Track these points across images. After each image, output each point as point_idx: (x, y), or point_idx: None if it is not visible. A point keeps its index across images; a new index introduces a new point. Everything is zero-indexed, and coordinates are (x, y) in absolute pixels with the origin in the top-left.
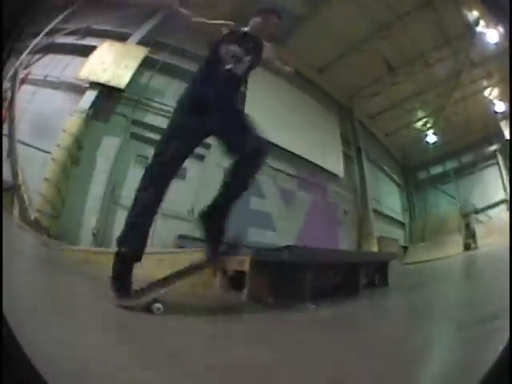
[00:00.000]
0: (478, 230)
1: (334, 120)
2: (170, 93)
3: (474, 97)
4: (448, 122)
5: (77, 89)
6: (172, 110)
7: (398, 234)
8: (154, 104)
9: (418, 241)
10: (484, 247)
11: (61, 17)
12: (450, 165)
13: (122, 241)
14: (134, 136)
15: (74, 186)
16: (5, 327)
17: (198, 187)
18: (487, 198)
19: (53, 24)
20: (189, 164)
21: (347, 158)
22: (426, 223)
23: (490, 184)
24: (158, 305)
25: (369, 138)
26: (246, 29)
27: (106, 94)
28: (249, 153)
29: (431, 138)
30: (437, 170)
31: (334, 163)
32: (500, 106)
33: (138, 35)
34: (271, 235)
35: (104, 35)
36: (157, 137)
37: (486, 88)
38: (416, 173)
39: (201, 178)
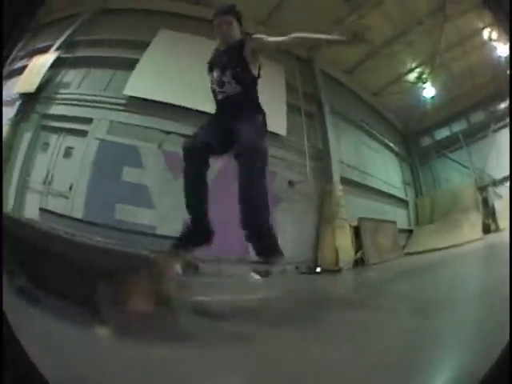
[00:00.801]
0: (498, 206)
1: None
2: (75, 83)
3: (471, 39)
4: (448, 72)
5: (11, 103)
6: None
7: (400, 213)
8: (61, 96)
9: (426, 222)
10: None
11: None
12: (458, 127)
13: None
14: (43, 127)
15: (4, 180)
16: (5, 327)
17: (80, 164)
18: (504, 167)
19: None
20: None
21: (308, 115)
22: (435, 200)
23: (506, 149)
24: None
25: (349, 97)
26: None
27: (26, 100)
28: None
29: (429, 91)
30: (442, 134)
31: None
32: (502, 49)
33: (58, 42)
34: (148, 215)
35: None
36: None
37: (482, 29)
38: (418, 139)
39: (83, 154)
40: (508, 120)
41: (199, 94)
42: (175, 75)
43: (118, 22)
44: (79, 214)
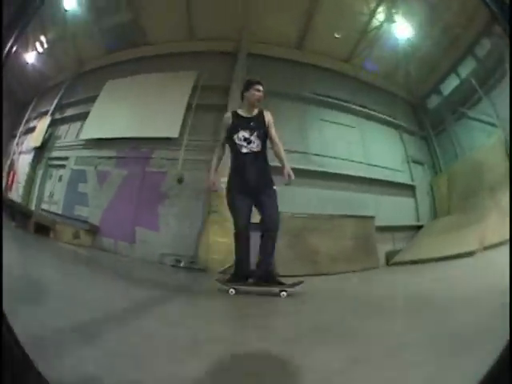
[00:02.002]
0: None
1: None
2: (63, 135)
3: None
4: None
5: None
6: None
7: (401, 203)
8: (56, 145)
9: (444, 212)
10: None
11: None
12: (466, 69)
13: None
14: (49, 166)
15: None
16: (5, 327)
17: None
18: None
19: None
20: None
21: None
22: (453, 177)
23: None
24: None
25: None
26: (243, 114)
27: (37, 151)
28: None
29: (403, 30)
30: (451, 84)
31: (164, 127)
32: None
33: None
34: (86, 211)
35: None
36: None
37: None
38: (422, 100)
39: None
40: None
41: (120, 128)
42: (110, 118)
43: (86, 83)
44: (60, 211)
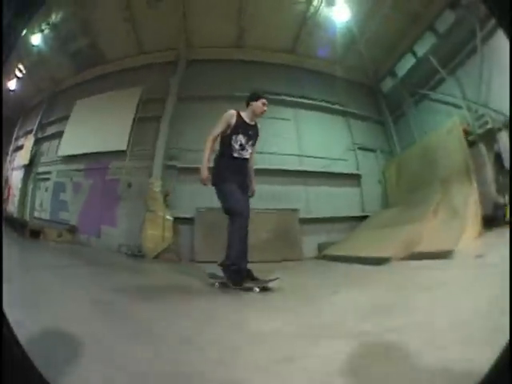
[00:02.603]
0: None
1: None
2: (45, 152)
3: None
4: None
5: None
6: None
7: (342, 194)
8: (41, 161)
9: (393, 203)
10: None
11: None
12: (423, 46)
13: None
14: (37, 180)
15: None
16: (5, 327)
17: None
18: None
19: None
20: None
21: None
22: (402, 164)
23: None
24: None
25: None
26: (246, 119)
27: (26, 167)
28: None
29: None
30: (406, 64)
31: (115, 141)
32: None
33: (35, 127)
34: (67, 215)
35: None
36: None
37: None
38: (376, 83)
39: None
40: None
41: (85, 144)
42: (78, 136)
43: (60, 103)
44: (48, 216)
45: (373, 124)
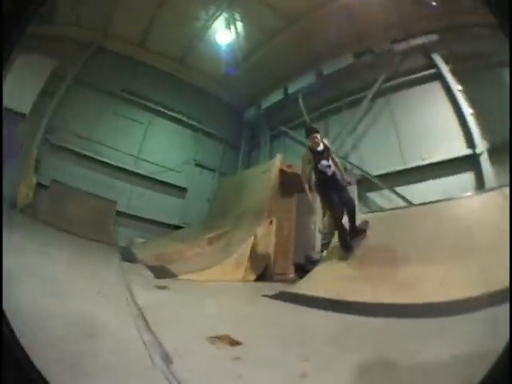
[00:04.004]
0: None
1: None
2: None
3: None
4: None
5: None
6: None
7: (166, 201)
8: None
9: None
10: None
11: None
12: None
13: None
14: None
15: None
16: (5, 326)
17: None
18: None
19: None
20: None
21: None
22: (220, 190)
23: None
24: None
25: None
26: (316, 149)
27: None
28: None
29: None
30: (272, 99)
31: (22, 104)
32: None
33: None
34: None
35: None
36: None
37: None
38: (244, 110)
39: None
40: None
41: None
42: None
43: None
44: None
45: (225, 146)
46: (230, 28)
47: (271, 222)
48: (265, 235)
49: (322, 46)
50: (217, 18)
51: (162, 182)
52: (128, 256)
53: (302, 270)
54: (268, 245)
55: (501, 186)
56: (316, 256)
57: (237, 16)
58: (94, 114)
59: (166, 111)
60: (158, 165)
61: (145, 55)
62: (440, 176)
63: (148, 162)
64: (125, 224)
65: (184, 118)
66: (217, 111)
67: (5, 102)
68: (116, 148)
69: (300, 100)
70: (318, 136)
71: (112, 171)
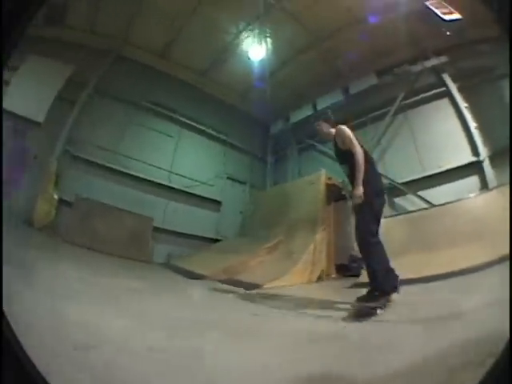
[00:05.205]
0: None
1: None
2: None
3: None
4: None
5: None
6: None
7: (201, 215)
8: None
9: (246, 233)
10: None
11: None
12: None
13: None
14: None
15: None
16: (5, 326)
17: None
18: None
19: None
20: None
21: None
22: (262, 201)
23: None
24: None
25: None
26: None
27: None
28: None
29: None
30: (301, 114)
31: (36, 112)
32: None
33: None
34: None
35: None
36: None
37: None
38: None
39: None
40: None
41: None
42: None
43: None
44: None
45: (252, 158)
46: (261, 43)
47: (324, 229)
48: (320, 241)
49: (345, 64)
50: (249, 32)
51: (196, 196)
52: (190, 274)
53: (346, 269)
54: (322, 250)
55: (500, 185)
56: (359, 255)
57: (268, 32)
58: (118, 125)
59: (193, 124)
60: (191, 179)
61: (168, 66)
62: (452, 181)
63: (181, 175)
64: (161, 240)
65: (212, 132)
66: (242, 124)
67: (15, 110)
68: (144, 161)
69: (330, 115)
70: (320, 125)
71: (143, 185)
